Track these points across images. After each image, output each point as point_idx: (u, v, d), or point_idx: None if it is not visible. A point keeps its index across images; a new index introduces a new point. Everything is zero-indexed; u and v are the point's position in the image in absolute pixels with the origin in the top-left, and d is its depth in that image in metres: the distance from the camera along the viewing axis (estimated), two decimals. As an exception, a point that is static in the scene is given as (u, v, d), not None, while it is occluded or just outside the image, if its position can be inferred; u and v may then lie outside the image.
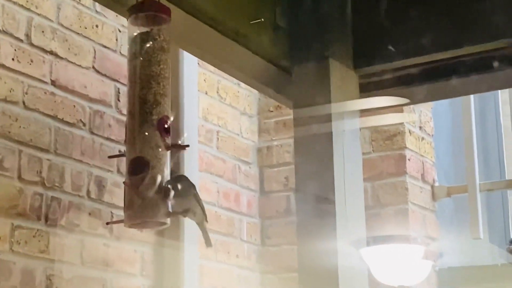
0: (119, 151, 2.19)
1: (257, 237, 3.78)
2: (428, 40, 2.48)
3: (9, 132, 2.66)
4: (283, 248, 3.75)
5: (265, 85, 2.60)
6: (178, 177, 2.17)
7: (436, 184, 3.92)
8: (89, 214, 2.88)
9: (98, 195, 2.92)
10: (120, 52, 3.10)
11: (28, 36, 2.77)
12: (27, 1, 2.77)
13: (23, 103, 2.73)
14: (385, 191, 3.67)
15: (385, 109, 3.32)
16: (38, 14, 2.81)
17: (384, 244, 3.40)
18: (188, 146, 2.23)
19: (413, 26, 2.50)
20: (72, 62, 2.92)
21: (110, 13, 3.01)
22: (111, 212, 2.94)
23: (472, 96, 4.05)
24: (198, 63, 3.35)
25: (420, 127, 3.86)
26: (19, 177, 2.67)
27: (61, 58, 2.88)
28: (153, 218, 2.06)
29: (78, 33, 2.96)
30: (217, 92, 3.66)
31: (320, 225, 2.36)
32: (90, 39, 3.00)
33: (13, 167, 2.66)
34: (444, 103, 4.83)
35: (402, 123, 3.69)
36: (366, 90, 2.63)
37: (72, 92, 2.90)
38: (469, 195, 3.92)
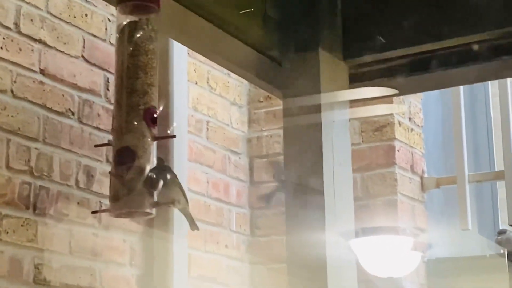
0: (108, 140, 2.18)
1: (246, 227, 3.79)
2: (417, 31, 2.48)
3: (-2, 121, 2.65)
4: (273, 239, 3.75)
5: (255, 75, 2.59)
6: (161, 167, 2.17)
7: (425, 175, 3.93)
8: (78, 203, 2.88)
9: (87, 185, 2.91)
10: (110, 42, 3.09)
11: (17, 24, 2.76)
12: (16, -10, 2.76)
13: (12, 91, 2.72)
14: (374, 182, 3.67)
15: (375, 100, 3.33)
16: (27, 3, 2.80)
17: (373, 236, 3.41)
18: (174, 136, 2.23)
19: (402, 17, 2.50)
20: (61, 51, 2.91)
21: (100, 2, 3.00)
22: (100, 202, 2.93)
23: (462, 87, 4.05)
24: (188, 53, 3.35)
25: (410, 118, 3.87)
26: (7, 166, 2.67)
27: (50, 47, 2.87)
28: (138, 208, 2.06)
29: (67, 22, 2.94)
30: (207, 82, 3.66)
31: (309, 215, 2.36)
32: (80, 28, 2.99)
33: (1, 156, 2.65)
34: (434, 95, 4.83)
35: (391, 114, 3.70)
36: (355, 80, 2.63)
37: (61, 81, 2.90)
38: (458, 186, 3.93)
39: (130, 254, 3.08)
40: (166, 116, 3.08)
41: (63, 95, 2.89)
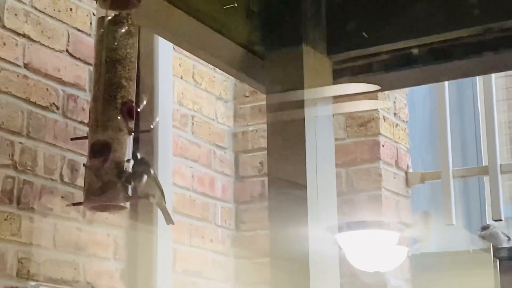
0: (87, 133, 2.18)
1: (231, 222, 3.79)
2: (401, 26, 2.49)
3: (-19, 115, 2.65)
4: (258, 233, 3.76)
5: (239, 70, 2.60)
6: (138, 161, 2.17)
7: (410, 170, 3.94)
8: (62, 197, 2.87)
9: (71, 179, 2.91)
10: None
11: (0, 18, 2.75)
12: (0, -16, 2.76)
13: (-5, 86, 2.71)
14: (359, 177, 3.68)
15: (360, 96, 3.33)
16: (11, -3, 2.80)
17: (358, 230, 3.41)
18: (150, 130, 2.22)
19: (387, 13, 2.51)
20: (45, 45, 2.90)
21: (84, -3, 3.00)
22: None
23: (446, 83, 4.06)
24: (173, 48, 3.34)
25: (395, 114, 3.88)
26: (-9, 160, 2.67)
27: (35, 41, 2.87)
28: (112, 201, 2.06)
29: (51, 16, 2.94)
30: (193, 77, 3.66)
31: (292, 210, 2.37)
32: (64, 23, 2.99)
33: (-15, 150, 2.65)
34: (422, 90, 4.85)
35: (376, 110, 3.71)
36: (339, 76, 2.64)
37: (45, 75, 2.89)
38: (443, 181, 3.94)
39: (114, 248, 3.08)
40: (151, 111, 3.08)
41: (47, 90, 2.89)
